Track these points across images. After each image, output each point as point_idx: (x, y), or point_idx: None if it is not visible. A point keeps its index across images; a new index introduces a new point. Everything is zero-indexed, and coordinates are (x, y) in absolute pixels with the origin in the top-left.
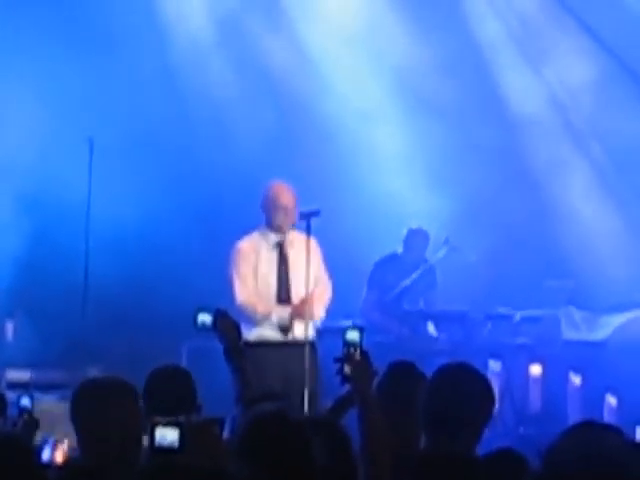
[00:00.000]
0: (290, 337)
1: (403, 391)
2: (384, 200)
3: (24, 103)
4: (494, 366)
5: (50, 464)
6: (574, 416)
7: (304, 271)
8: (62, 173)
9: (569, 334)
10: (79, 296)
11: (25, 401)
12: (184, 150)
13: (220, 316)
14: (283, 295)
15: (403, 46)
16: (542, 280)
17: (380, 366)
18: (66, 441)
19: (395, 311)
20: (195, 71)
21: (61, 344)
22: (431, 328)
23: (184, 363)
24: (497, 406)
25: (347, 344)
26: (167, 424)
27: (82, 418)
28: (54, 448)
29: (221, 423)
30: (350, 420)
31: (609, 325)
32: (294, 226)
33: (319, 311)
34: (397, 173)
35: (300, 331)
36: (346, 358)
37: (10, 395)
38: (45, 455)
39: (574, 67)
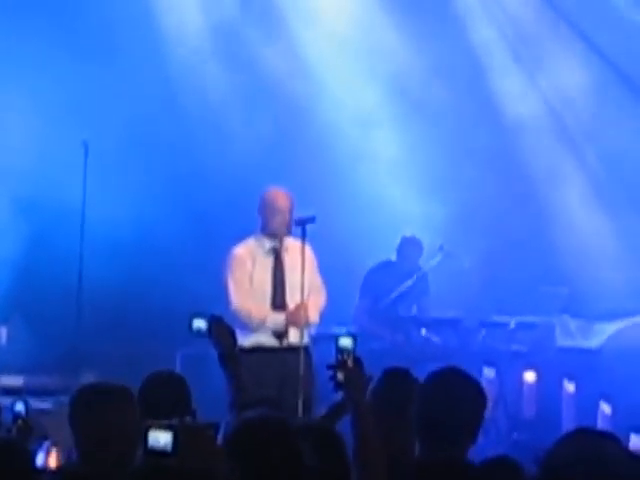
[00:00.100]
0: (285, 343)
1: (398, 397)
2: (379, 206)
3: (21, 108)
4: (488, 373)
5: (44, 469)
6: (568, 423)
7: (299, 277)
8: (59, 177)
9: (563, 341)
10: (74, 301)
11: (19, 407)
12: (180, 155)
13: (215, 322)
14: (278, 301)
15: (398, 52)
16: (537, 287)
17: (374, 372)
18: (59, 447)
19: (390, 317)
20: (192, 76)
21: (55, 349)
22: (425, 335)
23: (178, 369)
24: (491, 413)
25: (340, 351)
26: (160, 427)
27: (81, 423)
28: (48, 453)
29: (216, 428)
30: (344, 426)
31: (603, 333)
32: (289, 232)
33: (314, 317)
34: (392, 178)
35: (295, 337)
36: (339, 365)
37: (4, 401)
38: (39, 460)
39: (569, 73)
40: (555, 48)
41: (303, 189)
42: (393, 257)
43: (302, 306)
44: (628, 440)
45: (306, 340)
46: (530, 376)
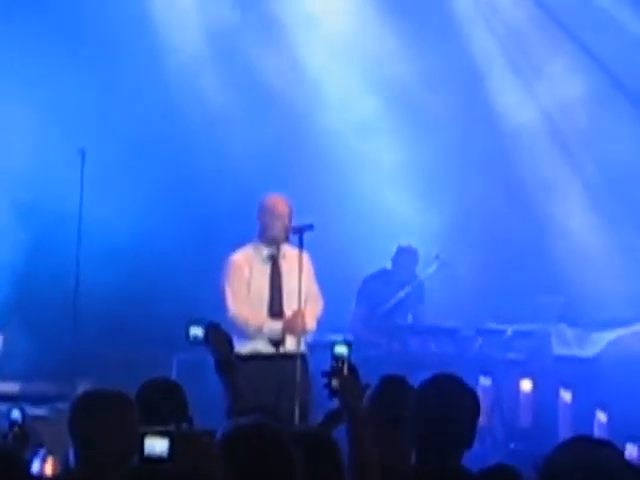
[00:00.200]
0: (281, 350)
1: (394, 405)
2: (376, 213)
3: (19, 114)
4: (485, 381)
5: (40, 477)
6: (564, 432)
7: (297, 285)
8: (58, 183)
9: (560, 350)
10: (71, 307)
11: (15, 414)
12: (179, 161)
13: (212, 329)
14: (275, 308)
15: (398, 60)
16: (533, 295)
17: (371, 380)
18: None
19: (386, 325)
20: (190, 83)
21: (53, 355)
22: (421, 343)
23: (174, 375)
24: (487, 421)
25: (335, 358)
26: (157, 434)
27: (82, 429)
28: (44, 461)
29: (212, 435)
30: (340, 433)
31: (600, 341)
32: (288, 239)
33: (311, 325)
34: (390, 186)
35: (291, 344)
36: (334, 372)
37: (0, 407)
38: (35, 468)
39: (567, 82)
40: (553, 57)
41: (301, 196)
42: (389, 265)
43: (299, 314)
44: (624, 449)
45: (302, 347)
46: (526, 384)
